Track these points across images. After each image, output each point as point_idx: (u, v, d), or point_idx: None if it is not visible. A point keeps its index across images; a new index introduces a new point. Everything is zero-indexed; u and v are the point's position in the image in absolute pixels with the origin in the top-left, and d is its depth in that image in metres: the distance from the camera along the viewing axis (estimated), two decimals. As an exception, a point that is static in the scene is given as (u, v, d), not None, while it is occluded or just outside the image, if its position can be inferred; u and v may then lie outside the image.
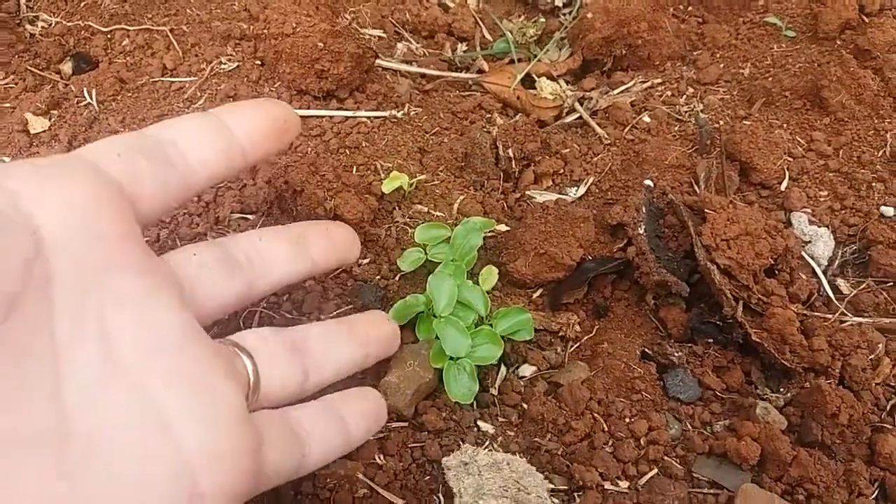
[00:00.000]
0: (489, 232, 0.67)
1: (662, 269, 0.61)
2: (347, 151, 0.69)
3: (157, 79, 0.73)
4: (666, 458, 0.52)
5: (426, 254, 0.61)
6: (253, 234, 0.48)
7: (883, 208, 0.66)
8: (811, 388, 0.54)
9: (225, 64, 0.74)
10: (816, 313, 0.62)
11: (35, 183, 0.33)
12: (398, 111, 0.73)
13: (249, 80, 0.73)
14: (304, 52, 0.70)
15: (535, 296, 0.65)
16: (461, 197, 0.69)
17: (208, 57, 0.74)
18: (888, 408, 0.56)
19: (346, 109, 0.72)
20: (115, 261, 0.35)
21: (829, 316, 0.61)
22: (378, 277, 0.62)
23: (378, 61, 0.77)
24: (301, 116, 0.71)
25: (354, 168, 0.67)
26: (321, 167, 0.60)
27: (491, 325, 0.57)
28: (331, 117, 0.71)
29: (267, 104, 0.46)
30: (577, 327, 0.63)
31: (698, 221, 0.64)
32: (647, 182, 0.71)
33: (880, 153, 0.70)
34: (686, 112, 0.77)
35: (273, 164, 0.64)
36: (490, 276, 0.62)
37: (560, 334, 0.62)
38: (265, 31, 0.73)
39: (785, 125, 0.73)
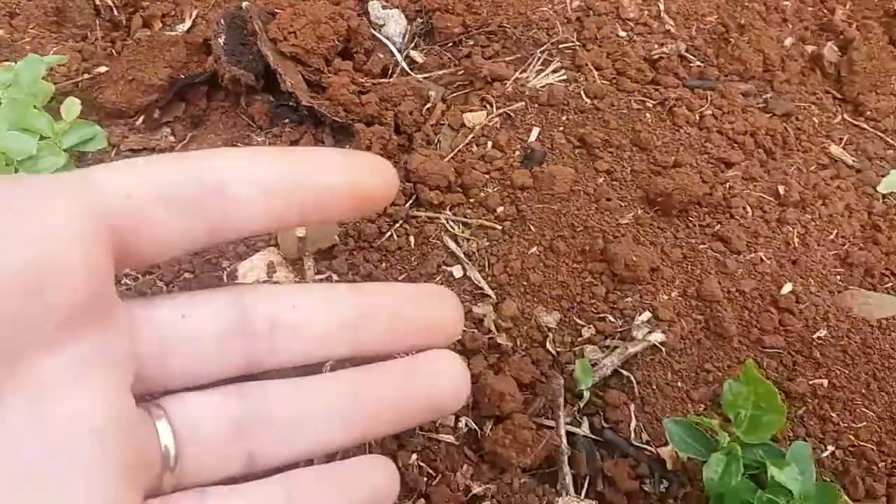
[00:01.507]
0: (87, 74, 0.71)
1: (234, 67, 0.67)
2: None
3: None
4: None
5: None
6: (286, 294, 0.37)
7: (443, -18, 0.75)
8: (354, 133, 0.62)
9: None
10: (386, 80, 0.71)
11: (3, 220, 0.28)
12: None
13: None
14: None
15: (137, 122, 0.70)
16: (55, 48, 0.72)
17: None
18: (436, 141, 0.66)
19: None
20: (47, 339, 0.29)
21: (392, 80, 0.70)
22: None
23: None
24: None
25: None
26: None
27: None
28: None
29: (356, 164, 0.35)
30: (172, 138, 0.69)
31: (269, 20, 0.70)
32: (245, 3, 0.77)
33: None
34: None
35: None
36: (72, 107, 0.66)
37: (157, 148, 0.68)
38: None
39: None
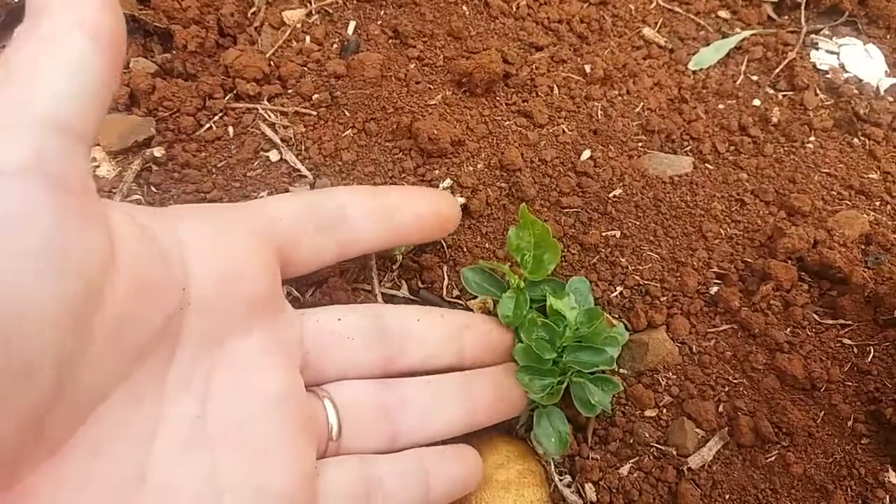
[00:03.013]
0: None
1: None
2: None
3: None
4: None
5: None
6: (412, 311, 0.51)
7: None
8: (171, 34, 0.67)
9: None
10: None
11: (205, 237, 0.38)
12: None
13: None
14: None
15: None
16: None
17: None
18: (259, 40, 0.70)
19: None
20: (242, 324, 0.39)
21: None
22: None
23: None
24: None
25: None
26: None
27: None
28: None
29: (436, 196, 0.52)
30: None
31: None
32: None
33: None
34: None
35: None
36: None
37: None
38: None
39: None
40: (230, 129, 0.64)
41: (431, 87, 0.68)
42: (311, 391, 0.44)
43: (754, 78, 0.79)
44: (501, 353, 0.54)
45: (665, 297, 0.62)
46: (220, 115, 0.64)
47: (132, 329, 0.32)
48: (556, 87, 0.71)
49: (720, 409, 0.58)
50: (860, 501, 0.53)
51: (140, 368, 0.33)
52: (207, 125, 0.63)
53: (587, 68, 0.73)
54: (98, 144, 0.62)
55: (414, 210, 0.49)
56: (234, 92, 0.66)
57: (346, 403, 0.45)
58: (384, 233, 0.48)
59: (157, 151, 0.61)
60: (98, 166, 0.61)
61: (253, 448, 0.37)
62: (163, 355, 0.35)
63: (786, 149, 0.72)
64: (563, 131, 0.68)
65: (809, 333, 0.59)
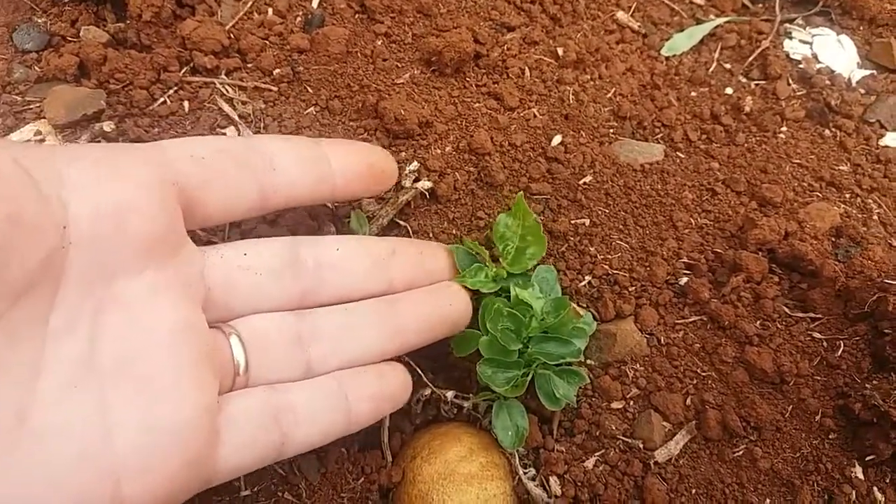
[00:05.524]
0: None
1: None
2: None
3: None
4: None
5: None
6: (330, 241, 0.46)
7: None
8: (125, 2, 0.61)
9: None
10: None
11: (92, 175, 0.35)
12: None
13: None
14: None
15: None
16: None
17: None
18: (219, 11, 0.65)
19: None
20: (133, 262, 0.36)
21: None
22: None
23: None
24: None
25: None
26: None
27: None
28: None
29: (370, 150, 0.48)
30: None
31: None
32: None
33: None
34: None
35: None
36: None
37: None
38: None
39: None
40: (185, 104, 0.59)
41: (399, 65, 0.63)
42: (217, 327, 0.41)
43: (727, 66, 0.76)
44: (437, 277, 0.50)
45: (634, 288, 0.60)
46: (176, 88, 0.59)
47: (6, 266, 0.30)
48: (527, 70, 0.67)
49: (688, 402, 0.56)
50: (826, 497, 0.51)
51: (16, 310, 0.31)
52: (161, 99, 0.59)
53: (559, 51, 0.69)
54: (44, 117, 0.57)
55: (345, 159, 0.45)
56: (191, 65, 0.61)
57: (253, 336, 0.42)
58: (314, 182, 0.43)
59: (107, 126, 0.56)
60: (43, 140, 0.56)
61: (146, 384, 0.35)
62: (42, 297, 0.33)
63: (758, 138, 0.70)
64: (534, 115, 0.65)
65: (779, 326, 0.56)
